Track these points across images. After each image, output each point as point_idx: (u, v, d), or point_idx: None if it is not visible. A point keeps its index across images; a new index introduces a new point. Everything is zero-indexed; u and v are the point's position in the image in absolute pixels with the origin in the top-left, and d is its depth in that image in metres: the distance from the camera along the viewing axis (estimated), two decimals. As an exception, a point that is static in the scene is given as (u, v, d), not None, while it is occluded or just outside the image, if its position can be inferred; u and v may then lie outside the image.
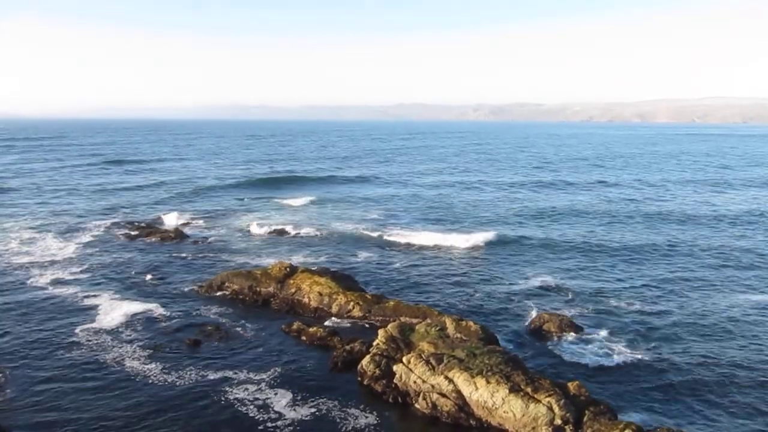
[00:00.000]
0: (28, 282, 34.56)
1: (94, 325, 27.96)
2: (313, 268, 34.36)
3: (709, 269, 39.14)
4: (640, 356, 25.28)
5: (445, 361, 21.17)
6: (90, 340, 26.06)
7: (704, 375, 23.69)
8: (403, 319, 27.10)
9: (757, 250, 44.69)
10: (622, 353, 25.63)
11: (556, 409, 18.57)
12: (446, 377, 20.46)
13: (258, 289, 32.32)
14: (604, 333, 27.84)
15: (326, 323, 28.54)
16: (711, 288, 35.13)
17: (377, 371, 22.11)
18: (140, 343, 25.82)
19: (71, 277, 35.58)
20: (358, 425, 19.59)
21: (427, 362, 21.22)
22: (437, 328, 24.35)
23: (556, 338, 26.82)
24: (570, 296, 33.27)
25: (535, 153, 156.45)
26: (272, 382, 22.44)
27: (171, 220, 52.84)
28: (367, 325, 28.32)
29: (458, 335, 24.22)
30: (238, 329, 27.78)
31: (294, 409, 20.43)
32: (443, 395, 20.24)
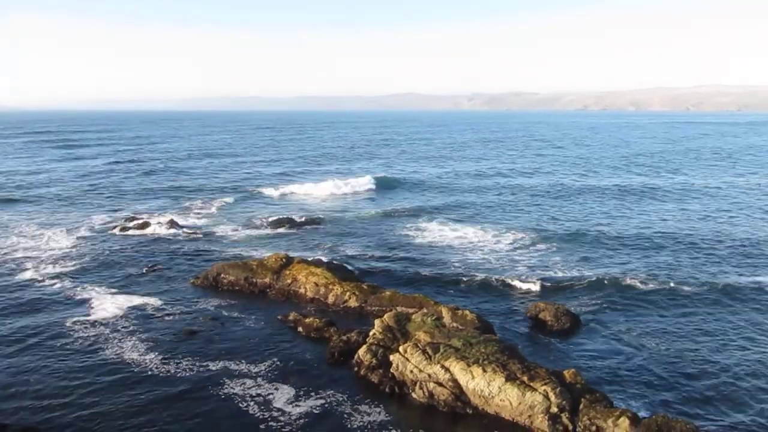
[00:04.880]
0: (24, 276, 34.38)
1: (89, 318, 27.87)
2: (309, 259, 34.30)
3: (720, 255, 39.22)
4: (636, 344, 25.40)
5: (442, 350, 21.22)
6: (86, 334, 25.96)
7: (702, 365, 23.74)
8: (399, 308, 27.12)
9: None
10: (618, 342, 25.76)
11: (552, 398, 18.68)
12: (443, 366, 20.53)
13: (254, 280, 32.28)
14: (600, 321, 27.97)
15: (323, 313, 28.56)
16: (717, 283, 35.07)
17: (374, 361, 22.15)
18: (136, 336, 25.75)
19: (67, 271, 35.40)
20: (355, 415, 19.64)
21: (424, 351, 21.27)
22: (433, 318, 24.40)
23: (551, 327, 26.88)
24: (567, 286, 33.31)
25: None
26: (269, 373, 22.46)
27: (169, 215, 52.53)
28: (363, 315, 28.34)
29: (454, 324, 24.29)
30: (235, 320, 27.77)
31: (291, 401, 20.44)
32: (440, 384, 20.31)
